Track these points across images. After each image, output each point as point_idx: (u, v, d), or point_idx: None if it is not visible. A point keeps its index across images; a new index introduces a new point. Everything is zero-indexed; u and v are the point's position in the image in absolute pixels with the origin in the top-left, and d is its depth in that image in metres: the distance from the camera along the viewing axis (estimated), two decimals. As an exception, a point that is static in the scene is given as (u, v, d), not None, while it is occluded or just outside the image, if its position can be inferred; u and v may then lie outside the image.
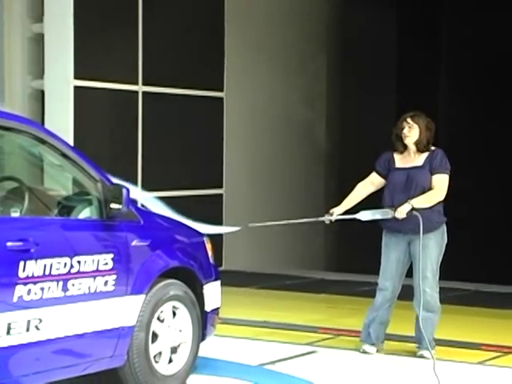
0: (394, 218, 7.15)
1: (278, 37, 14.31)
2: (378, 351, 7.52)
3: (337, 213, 7.43)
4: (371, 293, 7.93)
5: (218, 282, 6.83)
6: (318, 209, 13.55)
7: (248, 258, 13.46)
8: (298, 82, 14.88)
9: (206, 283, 6.63)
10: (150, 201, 7.06)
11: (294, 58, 14.72)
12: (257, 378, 6.74)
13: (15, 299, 5.21)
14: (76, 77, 11.09)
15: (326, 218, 7.50)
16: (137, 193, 8.01)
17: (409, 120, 7.29)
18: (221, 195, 13.35)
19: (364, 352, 7.50)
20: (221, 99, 13.26)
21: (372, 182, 7.53)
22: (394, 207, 7.16)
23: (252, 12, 13.84)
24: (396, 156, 7.41)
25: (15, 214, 5.67)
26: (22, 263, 5.25)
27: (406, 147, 7.33)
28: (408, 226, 7.14)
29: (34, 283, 5.32)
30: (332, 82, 15.89)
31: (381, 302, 7.43)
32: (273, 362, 7.26)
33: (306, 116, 15.23)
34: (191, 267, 6.51)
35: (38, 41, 11.31)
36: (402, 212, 7.10)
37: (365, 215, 7.26)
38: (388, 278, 7.40)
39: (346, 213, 7.44)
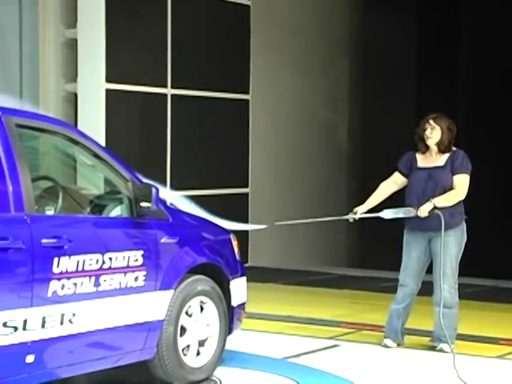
0: (416, 217, 7.13)
1: (301, 42, 14.29)
2: (398, 345, 7.50)
3: (361, 211, 7.42)
4: (392, 289, 7.90)
5: (244, 278, 6.84)
6: (339, 207, 13.53)
7: (273, 255, 13.45)
8: (320, 85, 14.86)
9: (233, 279, 6.63)
10: (179, 199, 7.06)
11: (316, 62, 14.70)
12: (281, 370, 6.73)
13: (50, 294, 5.23)
14: (108, 80, 11.14)
15: (350, 217, 7.50)
16: (166, 192, 8.02)
17: (431, 121, 7.28)
18: (246, 194, 13.35)
19: (385, 346, 7.49)
20: (247, 101, 13.26)
21: (395, 182, 7.52)
22: (416, 206, 7.14)
23: (276, 18, 13.83)
24: (418, 156, 7.40)
25: (50, 212, 5.70)
26: (56, 259, 5.27)
27: (428, 147, 7.32)
28: (429, 224, 7.13)
29: (68, 278, 5.34)
30: (354, 84, 15.85)
31: (401, 298, 7.42)
32: (297, 356, 7.25)
33: (328, 118, 15.20)
34: (218, 263, 6.51)
35: (72, 46, 11.36)
36: (423, 211, 7.08)
37: (388, 214, 7.25)
38: (408, 275, 7.38)
39: (369, 211, 7.43)
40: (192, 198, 7.99)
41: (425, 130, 7.28)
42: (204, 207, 7.09)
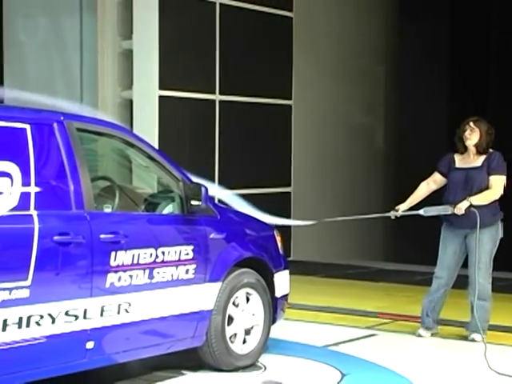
0: (454, 214, 7.09)
1: (339, 50, 14.24)
2: (432, 335, 7.45)
3: (402, 209, 7.41)
4: (426, 282, 7.85)
5: (287, 271, 6.81)
6: (375, 205, 13.49)
7: (314, 250, 13.41)
8: (357, 91, 14.80)
9: (276, 272, 6.61)
10: (230, 197, 7.05)
11: (354, 69, 14.64)
12: (322, 358, 6.70)
13: (107, 285, 5.27)
14: (161, 87, 11.19)
15: (392, 214, 7.47)
16: (216, 190, 8.01)
17: (471, 124, 7.25)
18: (289, 193, 13.34)
19: (419, 336, 7.43)
20: (289, 106, 13.26)
21: (434, 181, 7.48)
22: (454, 204, 7.10)
23: (316, 29, 13.79)
24: (456, 157, 7.36)
25: (107, 210, 5.73)
26: (113, 253, 5.30)
27: (466, 148, 7.27)
28: (466, 221, 7.09)
29: (124, 271, 5.37)
30: (389, 90, 15.76)
31: (436, 289, 7.38)
32: (336, 344, 7.22)
33: (365, 121, 15.14)
34: (263, 257, 6.50)
35: (127, 56, 11.44)
36: (460, 208, 7.05)
37: (427, 211, 7.23)
38: (444, 268, 7.34)
39: (409, 209, 7.41)
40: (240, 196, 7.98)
41: (464, 132, 7.24)
42: (254, 205, 7.07)
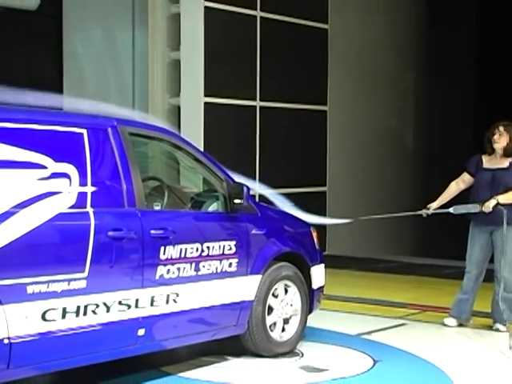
0: (481, 212, 7.02)
1: (372, 59, 14.16)
2: (462, 325, 7.39)
3: (433, 207, 7.36)
4: (454, 275, 7.79)
5: (323, 265, 6.79)
6: (405, 204, 13.37)
7: (348, 245, 13.35)
8: (389, 96, 14.70)
9: (313, 265, 6.59)
10: (273, 196, 7.03)
11: (386, 76, 14.55)
12: (355, 345, 6.67)
13: (157, 277, 5.29)
14: (206, 94, 11.22)
15: (424, 212, 7.44)
16: (258, 189, 8.01)
17: (500, 128, 7.19)
18: (324, 192, 13.30)
19: (445, 325, 7.37)
20: (325, 112, 13.22)
21: (463, 181, 7.42)
22: (482, 202, 7.03)
23: (350, 39, 13.73)
24: (484, 158, 7.30)
25: (157, 208, 5.75)
26: (162, 248, 5.32)
27: (494, 150, 7.20)
28: (492, 218, 7.04)
29: (172, 264, 5.38)
30: (419, 95, 15.64)
31: (467, 283, 7.34)
32: (369, 333, 7.18)
33: (395, 125, 15.03)
34: (300, 252, 6.48)
35: (175, 66, 11.49)
36: (488, 206, 6.99)
37: (456, 209, 7.19)
38: (473, 263, 7.29)
39: (439, 207, 7.36)
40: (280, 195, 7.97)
41: (494, 135, 7.18)
42: (293, 204, 7.06)
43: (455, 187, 7.46)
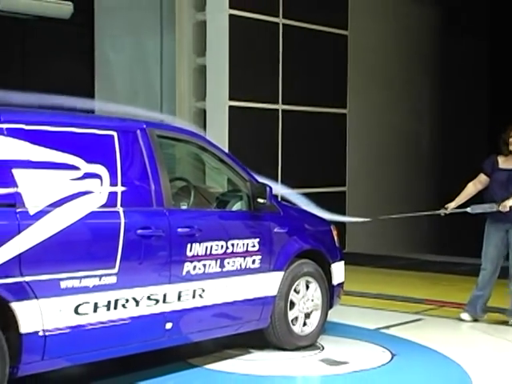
0: (498, 211, 6.96)
1: (389, 63, 14.10)
2: (477, 320, 7.33)
3: (451, 207, 7.31)
4: (469, 272, 7.73)
5: (343, 262, 6.76)
6: (422, 203, 13.30)
7: (367, 243, 13.29)
8: (405, 100, 14.63)
9: (333, 262, 6.57)
10: (295, 196, 7.01)
11: (402, 80, 14.47)
12: (374, 339, 6.64)
13: (184, 273, 5.29)
14: (230, 98, 11.23)
15: (442, 211, 7.39)
16: (280, 189, 7.98)
17: None
18: (344, 192, 13.26)
19: (461, 319, 7.32)
20: (344, 115, 13.18)
21: (480, 182, 7.36)
22: (498, 202, 6.97)
23: (369, 45, 13.67)
24: (500, 158, 7.25)
25: (184, 207, 5.76)
26: (189, 245, 5.32)
27: (510, 152, 7.13)
28: (508, 217, 6.99)
29: (198, 261, 5.39)
30: (433, 98, 15.54)
31: (482, 279, 7.29)
32: (387, 327, 7.15)
33: (411, 127, 14.95)
34: (320, 249, 6.46)
35: (201, 71, 11.50)
36: (505, 206, 6.97)
37: (474, 209, 7.15)
38: (488, 260, 7.25)
39: (457, 207, 7.31)
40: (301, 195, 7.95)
41: (510, 137, 7.11)
42: (314, 203, 7.03)
43: (472, 188, 7.40)
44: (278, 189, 8.51)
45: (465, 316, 7.33)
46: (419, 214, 8.22)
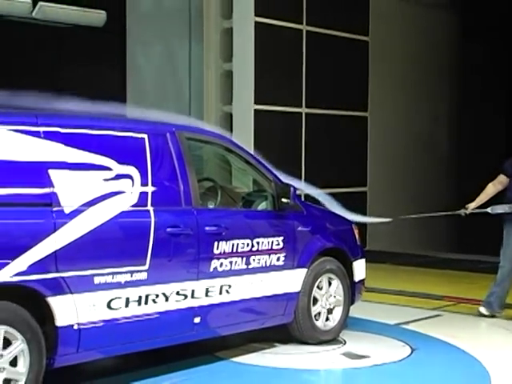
0: None
1: (408, 69, 14.00)
2: (495, 316, 7.26)
3: (471, 207, 7.25)
4: (487, 270, 7.66)
5: (364, 259, 6.73)
6: (440, 203, 13.20)
7: (387, 241, 13.22)
8: (425, 103, 14.52)
9: (354, 260, 6.54)
10: (321, 195, 6.97)
11: (422, 85, 14.37)
12: (394, 334, 6.61)
13: (211, 270, 5.30)
14: (256, 102, 11.22)
15: (463, 212, 7.33)
16: (306, 189, 7.93)
17: None
18: (365, 192, 13.20)
19: (479, 313, 7.26)
20: (365, 118, 13.12)
21: (500, 182, 7.29)
22: None
23: (389, 50, 13.59)
24: None
25: (211, 206, 5.77)
26: (216, 243, 5.33)
27: None
28: None
29: (225, 258, 5.39)
30: (451, 102, 15.40)
31: (500, 276, 7.24)
32: (407, 323, 7.11)
33: (430, 129, 14.84)
34: (342, 247, 6.44)
35: (228, 76, 11.51)
36: None
37: (494, 209, 7.10)
38: (506, 258, 7.19)
39: (477, 208, 7.25)
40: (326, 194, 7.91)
41: None
42: (338, 203, 6.99)
43: (492, 188, 7.32)
44: (306, 188, 8.46)
45: (483, 310, 7.27)
46: (440, 214, 8.17)
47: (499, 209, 7.06)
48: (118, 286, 4.75)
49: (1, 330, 4.28)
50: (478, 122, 15.39)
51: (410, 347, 6.16)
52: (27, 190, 4.45)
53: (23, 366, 4.37)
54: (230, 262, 5.43)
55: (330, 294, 6.26)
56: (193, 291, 5.18)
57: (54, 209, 4.51)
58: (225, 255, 5.38)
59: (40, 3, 10.06)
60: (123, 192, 4.87)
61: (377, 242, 12.75)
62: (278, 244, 5.80)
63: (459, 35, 15.32)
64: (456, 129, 15.54)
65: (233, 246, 5.44)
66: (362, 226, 9.11)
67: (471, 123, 15.43)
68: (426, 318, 7.34)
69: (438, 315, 7.52)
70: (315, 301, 6.14)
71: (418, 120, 14.40)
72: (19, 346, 4.35)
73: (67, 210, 4.55)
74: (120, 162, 4.89)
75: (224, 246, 5.37)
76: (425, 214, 8.23)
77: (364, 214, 11.79)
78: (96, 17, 10.82)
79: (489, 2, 14.52)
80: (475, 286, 8.72)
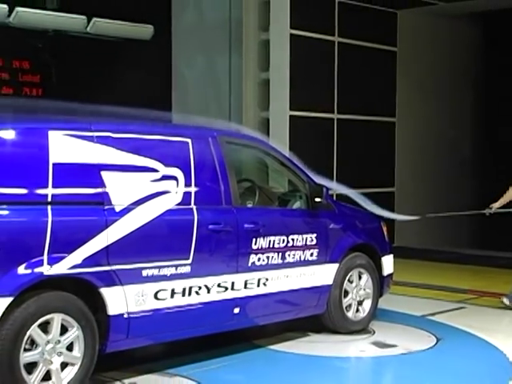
0: None
1: (434, 76, 13.82)
2: None
3: (495, 207, 7.13)
4: (508, 265, 7.49)
5: (392, 255, 6.67)
6: (465, 202, 13.02)
7: (414, 238, 13.07)
8: (449, 108, 14.32)
9: (383, 255, 6.49)
10: (352, 194, 6.91)
11: (446, 92, 14.17)
12: (421, 325, 6.54)
13: (249, 264, 5.30)
14: (291, 109, 11.20)
15: (487, 211, 7.22)
16: (338, 189, 7.87)
17: None
18: (393, 192, 13.08)
19: (502, 303, 7.16)
20: (393, 123, 13.02)
21: None
22: None
23: (416, 59, 13.43)
24: None
25: (249, 205, 5.77)
26: (254, 239, 5.33)
27: None
28: None
29: (262, 253, 5.39)
30: (474, 107, 15.18)
31: None
32: (432, 314, 7.03)
33: (454, 133, 14.63)
34: (371, 244, 6.39)
35: (265, 84, 11.50)
36: None
37: None
38: None
39: (501, 207, 7.13)
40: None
41: None
42: (369, 201, 6.93)
43: None
44: (337, 188, 8.39)
45: (505, 300, 7.15)
46: (465, 213, 8.06)
47: None
48: (164, 278, 4.77)
49: (58, 318, 4.33)
50: (498, 126, 15.15)
51: (436, 337, 6.09)
52: (82, 190, 4.50)
53: (78, 350, 4.42)
54: (267, 257, 5.42)
55: (360, 287, 6.21)
56: (233, 283, 5.18)
57: (106, 207, 4.55)
58: (262, 250, 5.37)
59: (94, 19, 10.18)
60: (169, 192, 4.89)
61: (404, 239, 12.63)
62: (312, 240, 5.78)
63: (480, 45, 15.09)
64: (479, 132, 15.30)
65: (269, 241, 5.43)
66: (390, 224, 9.03)
67: (492, 128, 15.19)
68: (450, 310, 7.25)
69: (462, 307, 7.41)
70: (346, 293, 6.10)
71: (442, 124, 14.21)
72: (75, 332, 4.40)
73: (118, 209, 4.59)
74: (166, 164, 4.92)
75: (261, 242, 5.36)
76: (451, 212, 8.11)
77: (393, 212, 11.71)
78: (144, 31, 10.92)
79: (508, 14, 14.27)
80: (497, 281, 8.57)
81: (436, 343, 5.94)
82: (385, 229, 6.65)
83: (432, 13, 13.30)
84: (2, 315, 4.07)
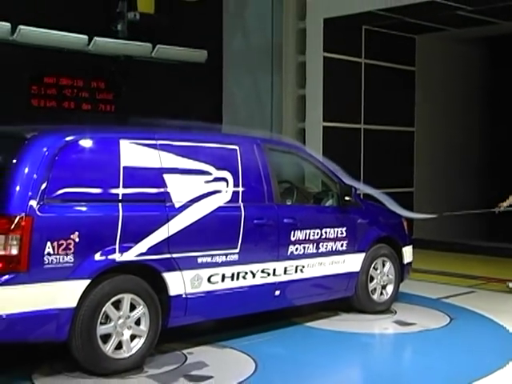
0: None
1: (448, 91, 13.56)
2: None
3: (504, 206, 6.95)
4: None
5: (411, 246, 6.57)
6: (476, 201, 12.74)
7: (431, 230, 12.84)
8: (461, 119, 14.03)
9: (403, 246, 6.39)
10: (377, 194, 6.82)
11: (459, 104, 13.89)
12: (436, 306, 6.42)
13: (288, 253, 5.29)
14: (324, 120, 11.15)
15: (496, 209, 7.03)
16: (364, 189, 7.78)
17: None
18: (412, 192, 12.89)
19: (508, 288, 6.96)
20: (413, 132, 12.83)
21: None
22: None
23: (432, 77, 13.20)
24: None
25: (289, 203, 5.75)
26: (292, 232, 5.31)
27: None
28: None
29: (299, 244, 5.37)
30: (485, 118, 14.83)
31: None
32: (446, 297, 6.89)
33: (467, 142, 14.31)
34: (393, 236, 6.30)
35: (301, 99, 11.46)
36: None
37: None
38: None
39: (510, 206, 6.95)
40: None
41: None
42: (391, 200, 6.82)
43: None
44: (364, 188, 8.29)
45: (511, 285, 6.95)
46: (477, 212, 7.87)
47: None
48: (216, 264, 4.79)
49: (128, 297, 4.39)
50: (503, 134, 14.78)
51: (449, 317, 5.98)
52: (147, 189, 4.54)
53: (144, 325, 4.47)
54: (304, 247, 5.39)
55: (383, 273, 6.14)
56: (274, 270, 5.17)
57: (167, 204, 4.59)
58: (299, 241, 5.35)
59: (158, 46, 10.29)
60: (220, 191, 4.91)
61: (422, 232, 12.41)
62: (342, 233, 5.73)
63: (488, 65, 14.75)
64: (490, 141, 14.96)
65: (306, 234, 5.40)
66: (410, 219, 8.89)
67: (497, 135, 14.83)
68: (462, 294, 7.10)
69: (472, 291, 7.25)
70: (372, 279, 6.03)
71: (456, 133, 13.94)
72: (141, 309, 4.45)
73: (177, 205, 4.63)
74: (218, 168, 4.94)
75: (299, 234, 5.34)
76: (465, 211, 7.93)
77: (411, 210, 11.52)
78: (199, 55, 10.98)
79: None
80: (505, 269, 8.35)
81: (449, 322, 5.83)
82: (405, 223, 6.56)
83: (446, 37, 13.06)
84: (82, 294, 4.14)
